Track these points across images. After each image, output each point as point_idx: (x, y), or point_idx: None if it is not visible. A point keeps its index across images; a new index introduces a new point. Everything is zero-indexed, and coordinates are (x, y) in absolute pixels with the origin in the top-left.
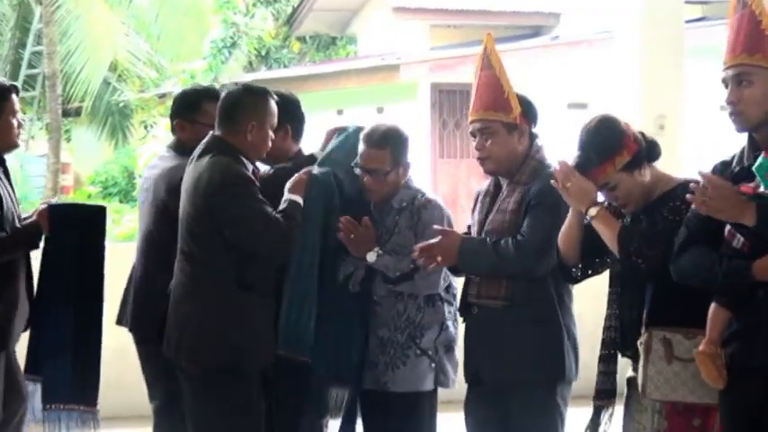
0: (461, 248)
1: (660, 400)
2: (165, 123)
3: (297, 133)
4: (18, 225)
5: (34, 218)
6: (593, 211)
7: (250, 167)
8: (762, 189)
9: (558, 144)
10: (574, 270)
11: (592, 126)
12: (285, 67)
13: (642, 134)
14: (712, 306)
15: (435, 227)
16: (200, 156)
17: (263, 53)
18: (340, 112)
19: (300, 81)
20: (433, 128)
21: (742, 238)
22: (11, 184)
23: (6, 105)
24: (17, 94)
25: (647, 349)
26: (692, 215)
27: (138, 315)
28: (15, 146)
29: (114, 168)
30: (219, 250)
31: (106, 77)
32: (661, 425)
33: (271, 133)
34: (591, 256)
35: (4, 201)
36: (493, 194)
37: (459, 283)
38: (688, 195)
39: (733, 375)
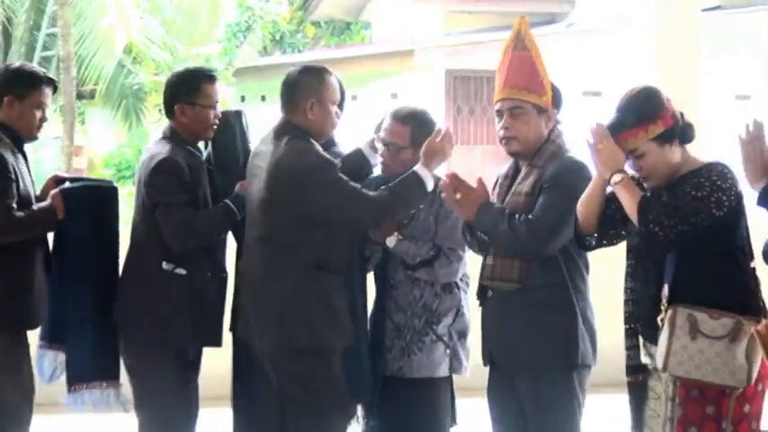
0: (483, 205)
1: (681, 377)
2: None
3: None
4: (34, 207)
5: (48, 201)
6: (617, 177)
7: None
8: None
9: (573, 131)
10: (588, 238)
11: (634, 91)
12: (299, 51)
13: (681, 114)
14: None
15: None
16: (275, 139)
17: (278, 38)
18: (354, 97)
19: None
20: (447, 113)
21: None
22: (28, 169)
23: (33, 93)
24: (54, 90)
25: (672, 324)
26: None
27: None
28: (33, 137)
29: (128, 151)
30: (301, 233)
31: (120, 60)
32: (675, 412)
33: (336, 109)
34: (608, 227)
35: (21, 183)
36: (512, 177)
37: (472, 269)
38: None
39: None
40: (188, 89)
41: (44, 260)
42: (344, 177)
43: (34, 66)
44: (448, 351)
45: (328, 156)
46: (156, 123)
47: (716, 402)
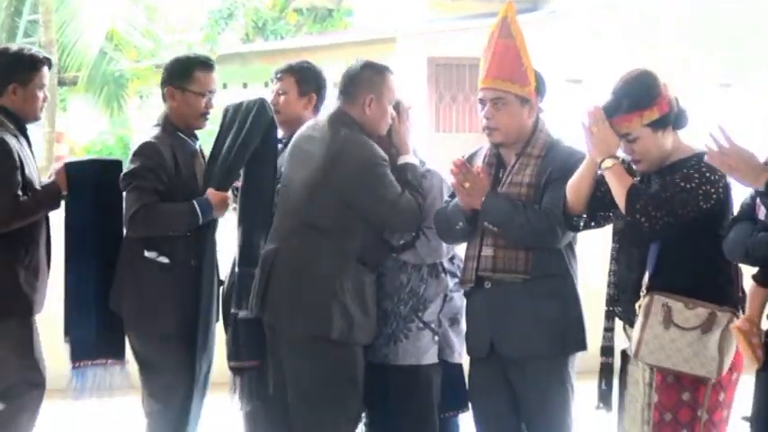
0: (490, 195)
1: (652, 365)
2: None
3: (319, 105)
4: (37, 188)
5: (52, 178)
6: (608, 162)
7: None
8: None
9: (556, 119)
10: (577, 219)
11: (632, 75)
12: (282, 38)
13: (677, 100)
14: (751, 283)
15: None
16: (331, 128)
17: (260, 25)
18: (336, 84)
19: (296, 53)
20: (429, 101)
21: (765, 210)
22: (32, 152)
23: (35, 76)
24: (50, 67)
25: (647, 312)
26: (748, 194)
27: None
28: (37, 118)
29: (109, 138)
30: (348, 223)
31: (102, 47)
32: (652, 397)
33: (390, 110)
34: (597, 209)
35: (26, 167)
36: (496, 166)
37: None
38: (706, 157)
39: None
40: (181, 73)
41: (46, 243)
42: (394, 180)
43: (31, 48)
44: (436, 338)
45: (383, 152)
46: (137, 110)
47: (692, 389)
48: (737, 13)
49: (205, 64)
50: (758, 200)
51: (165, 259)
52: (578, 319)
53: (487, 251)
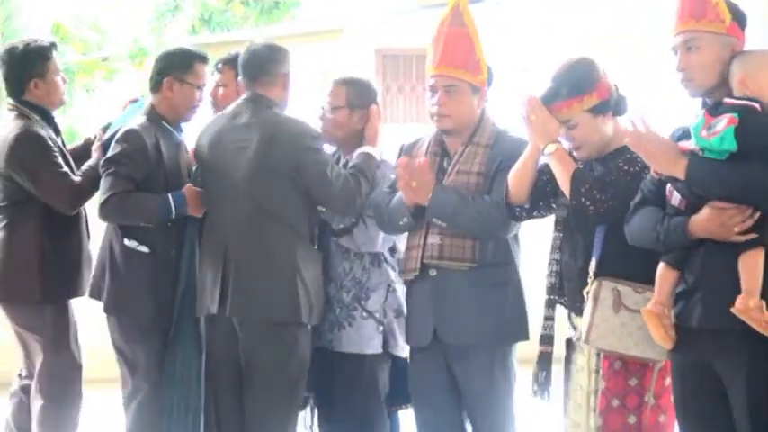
0: (437, 189)
1: (603, 350)
2: (108, 86)
3: None
4: (84, 167)
5: (94, 157)
6: (551, 148)
7: None
8: (694, 146)
9: (505, 107)
10: (519, 209)
11: (570, 62)
12: (228, 31)
13: (616, 86)
14: (660, 265)
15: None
16: (252, 112)
17: (207, 17)
18: None
19: (243, 45)
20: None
21: (679, 196)
22: (63, 141)
23: (50, 65)
24: (56, 49)
25: (596, 297)
26: (647, 179)
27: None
28: (62, 103)
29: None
30: (297, 205)
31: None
32: (598, 384)
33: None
34: (539, 198)
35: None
36: (441, 155)
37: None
38: (626, 140)
39: (679, 335)
40: (182, 65)
41: (85, 226)
42: (329, 157)
43: (36, 38)
44: (381, 328)
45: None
46: (84, 104)
47: (639, 375)
48: None
49: (204, 57)
50: (669, 186)
51: (144, 248)
52: (521, 308)
53: (434, 239)
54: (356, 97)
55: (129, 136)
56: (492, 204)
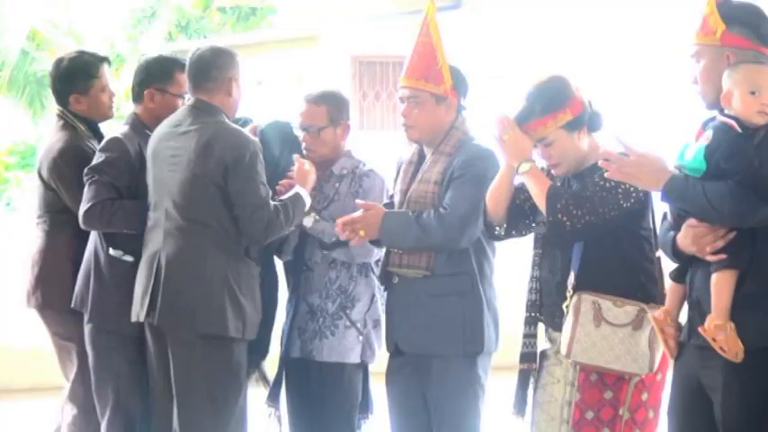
0: (384, 222)
1: (585, 364)
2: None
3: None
4: None
5: None
6: (525, 167)
7: None
8: (677, 162)
9: (480, 115)
10: (498, 228)
11: (543, 80)
12: (205, 37)
13: (590, 102)
14: (668, 280)
15: (358, 201)
16: (193, 119)
17: (184, 24)
18: (259, 83)
19: None
20: (353, 99)
21: (669, 211)
22: None
23: (95, 81)
24: (109, 65)
25: (576, 311)
26: None
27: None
28: (108, 116)
29: (32, 139)
30: (229, 216)
31: (24, 47)
32: (573, 396)
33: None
34: (517, 217)
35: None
36: (417, 163)
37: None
38: (607, 174)
39: (679, 349)
40: (162, 74)
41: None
42: (263, 174)
43: (84, 51)
44: (361, 338)
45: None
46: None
47: (614, 388)
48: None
49: (183, 65)
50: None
51: (129, 258)
52: (478, 319)
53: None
54: (336, 112)
55: (111, 143)
56: (435, 219)
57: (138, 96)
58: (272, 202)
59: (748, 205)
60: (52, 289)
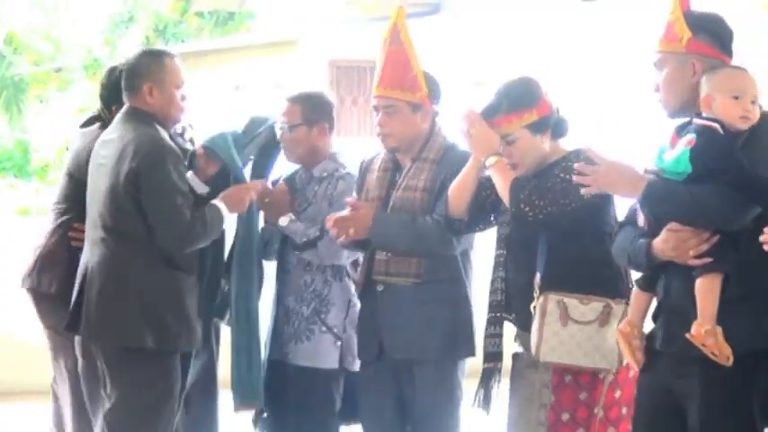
0: (375, 220)
1: (554, 363)
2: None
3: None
4: None
5: None
6: (492, 160)
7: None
8: (655, 167)
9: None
10: (458, 222)
11: (513, 79)
12: (183, 42)
13: (557, 108)
14: (634, 288)
15: (348, 199)
16: (122, 127)
17: (161, 28)
18: (237, 88)
19: (197, 56)
20: None
21: (643, 217)
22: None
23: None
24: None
25: (543, 311)
26: (634, 201)
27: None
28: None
29: (9, 143)
30: (146, 226)
31: (1, 51)
32: (549, 398)
33: (180, 93)
34: (479, 212)
35: None
36: (392, 171)
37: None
38: (575, 178)
39: (647, 356)
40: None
41: None
42: (181, 183)
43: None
44: (339, 343)
45: (177, 149)
46: (37, 115)
47: (589, 388)
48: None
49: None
50: (638, 207)
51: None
52: (468, 324)
53: (381, 255)
54: (312, 112)
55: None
56: (432, 224)
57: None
58: (187, 212)
59: (738, 207)
60: (49, 274)
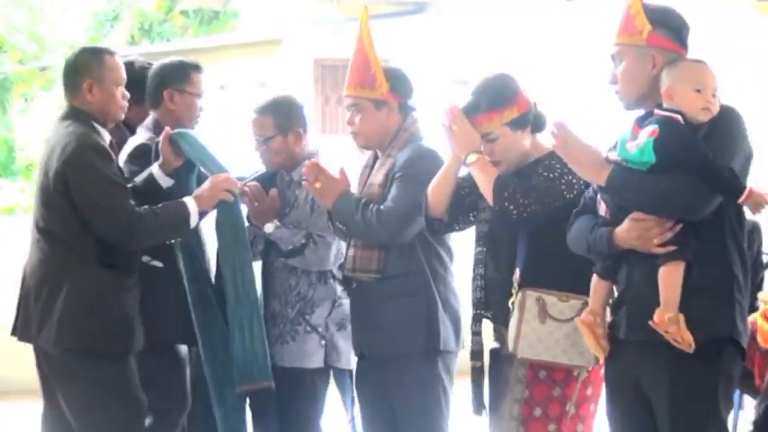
0: (340, 196)
1: (532, 359)
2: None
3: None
4: None
5: None
6: (473, 157)
7: (107, 138)
8: (618, 157)
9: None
10: (437, 222)
11: (491, 76)
12: (168, 41)
13: (535, 103)
14: (593, 275)
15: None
16: (58, 125)
17: (146, 27)
18: (222, 87)
19: (182, 55)
20: (315, 103)
21: (605, 206)
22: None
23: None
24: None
25: (521, 308)
26: (590, 188)
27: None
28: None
29: None
30: (76, 226)
31: None
32: (523, 393)
33: (120, 90)
34: (458, 211)
35: None
36: (371, 167)
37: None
38: (552, 144)
39: (611, 345)
40: (179, 76)
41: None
42: (115, 176)
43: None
44: (323, 342)
45: (105, 146)
46: (21, 114)
47: (563, 385)
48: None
49: (198, 67)
50: (599, 195)
51: (158, 263)
52: (433, 319)
53: (351, 251)
54: (284, 120)
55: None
56: (375, 214)
57: (156, 100)
58: (133, 207)
59: (701, 196)
60: None
